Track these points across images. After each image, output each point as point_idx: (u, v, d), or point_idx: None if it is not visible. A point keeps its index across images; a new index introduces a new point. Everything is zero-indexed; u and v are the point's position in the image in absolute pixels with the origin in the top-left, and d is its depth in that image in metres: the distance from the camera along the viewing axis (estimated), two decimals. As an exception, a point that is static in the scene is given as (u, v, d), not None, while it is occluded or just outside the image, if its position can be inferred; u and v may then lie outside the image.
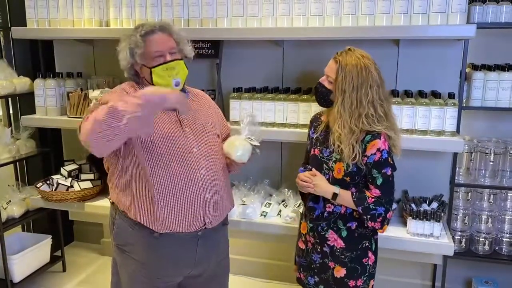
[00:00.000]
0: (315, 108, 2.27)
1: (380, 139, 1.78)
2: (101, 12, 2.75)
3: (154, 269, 1.79)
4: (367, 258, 1.89)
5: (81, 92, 2.81)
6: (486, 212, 2.64)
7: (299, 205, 2.51)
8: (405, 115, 2.32)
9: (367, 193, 1.81)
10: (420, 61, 2.52)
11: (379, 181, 1.79)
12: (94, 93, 2.72)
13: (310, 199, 1.94)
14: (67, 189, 2.78)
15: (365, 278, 1.89)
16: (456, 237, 2.66)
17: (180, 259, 1.80)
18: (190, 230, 1.75)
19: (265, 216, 2.54)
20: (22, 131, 3.16)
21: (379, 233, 1.95)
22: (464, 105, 2.45)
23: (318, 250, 1.91)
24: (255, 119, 1.90)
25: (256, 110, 2.51)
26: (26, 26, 2.88)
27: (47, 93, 2.89)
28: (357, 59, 1.76)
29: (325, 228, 1.88)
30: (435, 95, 2.37)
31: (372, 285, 1.95)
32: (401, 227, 2.44)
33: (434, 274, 2.86)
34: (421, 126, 2.32)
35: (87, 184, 2.82)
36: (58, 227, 3.31)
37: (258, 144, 1.83)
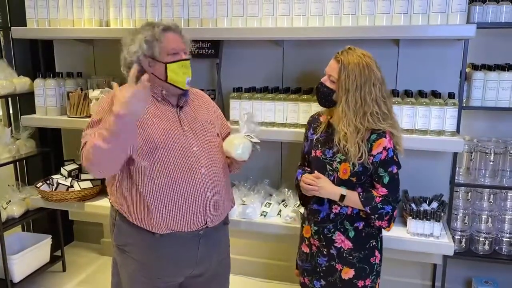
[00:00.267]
0: (315, 108, 2.27)
1: (385, 137, 1.78)
2: (101, 12, 2.74)
3: (154, 269, 1.79)
4: (374, 257, 1.88)
5: (81, 92, 2.81)
6: (486, 212, 2.64)
7: (299, 205, 2.51)
8: (405, 115, 2.32)
9: (374, 192, 1.80)
10: (420, 61, 2.52)
11: (386, 179, 1.79)
12: (94, 93, 2.72)
13: (313, 202, 1.92)
14: (67, 189, 2.79)
15: (373, 277, 1.89)
16: (456, 237, 2.66)
17: (181, 259, 1.80)
18: (191, 229, 1.76)
19: (265, 216, 2.54)
20: (22, 131, 3.16)
21: (383, 232, 1.95)
22: (464, 105, 2.45)
23: (324, 252, 1.89)
24: (253, 117, 1.89)
25: (256, 110, 2.51)
26: (26, 26, 2.87)
27: (47, 93, 2.89)
28: (358, 57, 1.76)
29: (332, 230, 1.86)
30: (435, 95, 2.37)
31: (379, 283, 1.94)
32: (401, 227, 2.43)
33: (434, 274, 2.86)
34: (421, 126, 2.32)
35: (87, 184, 2.82)
36: (58, 227, 3.31)
37: (258, 141, 1.83)
